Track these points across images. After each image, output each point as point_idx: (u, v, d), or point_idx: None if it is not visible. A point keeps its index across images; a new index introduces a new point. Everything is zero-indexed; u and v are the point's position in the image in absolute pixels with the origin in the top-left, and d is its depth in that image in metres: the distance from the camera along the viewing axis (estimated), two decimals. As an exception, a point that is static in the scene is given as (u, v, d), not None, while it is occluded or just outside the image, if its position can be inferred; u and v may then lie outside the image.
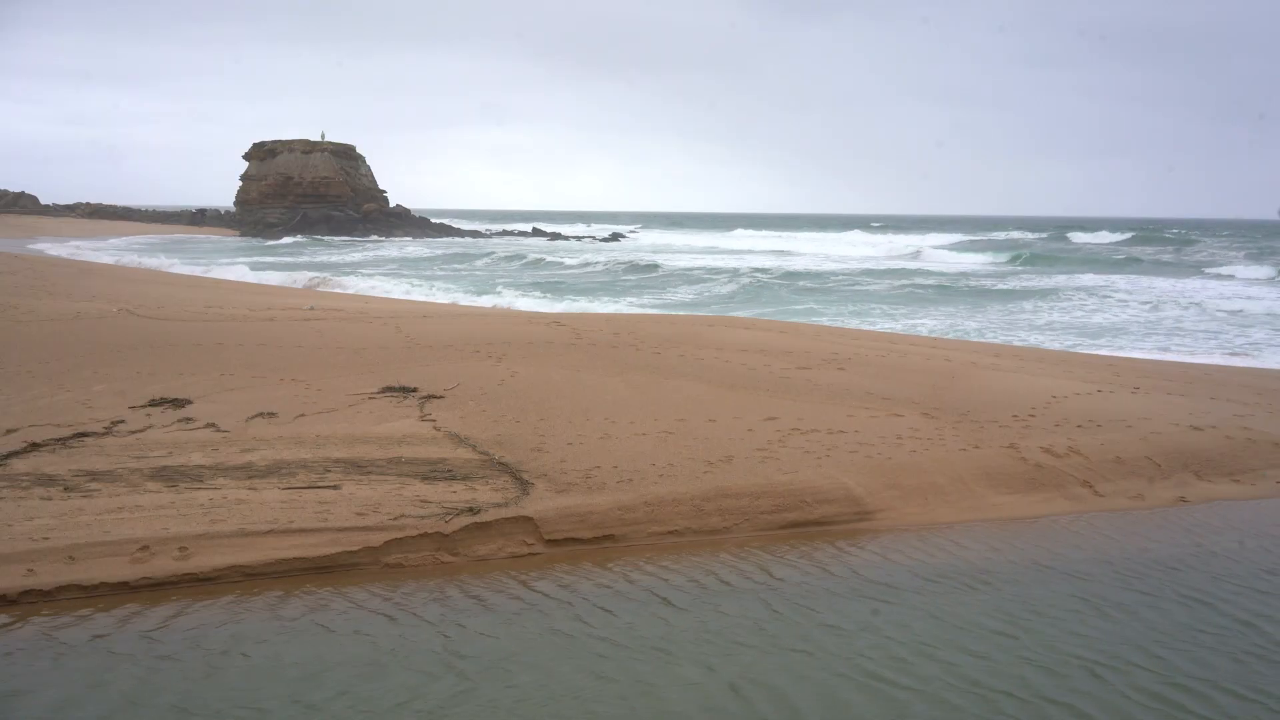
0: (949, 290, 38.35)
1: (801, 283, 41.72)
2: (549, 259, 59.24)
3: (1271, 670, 5.87)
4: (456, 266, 53.10)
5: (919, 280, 41.90)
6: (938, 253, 66.76)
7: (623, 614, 6.45)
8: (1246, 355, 20.99)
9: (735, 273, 45.50)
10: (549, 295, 35.27)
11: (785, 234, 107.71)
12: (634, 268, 50.55)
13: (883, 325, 26.29)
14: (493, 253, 64.90)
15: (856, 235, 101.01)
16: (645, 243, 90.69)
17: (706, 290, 38.18)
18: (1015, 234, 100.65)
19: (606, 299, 35.21)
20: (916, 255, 64.31)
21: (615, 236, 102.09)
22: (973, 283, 41.11)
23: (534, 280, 45.41)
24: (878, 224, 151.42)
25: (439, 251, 67.47)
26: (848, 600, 6.74)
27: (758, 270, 46.70)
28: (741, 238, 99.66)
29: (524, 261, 57.99)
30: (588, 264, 54.04)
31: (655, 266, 50.41)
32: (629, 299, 35.87)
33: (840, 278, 44.48)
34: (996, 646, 6.09)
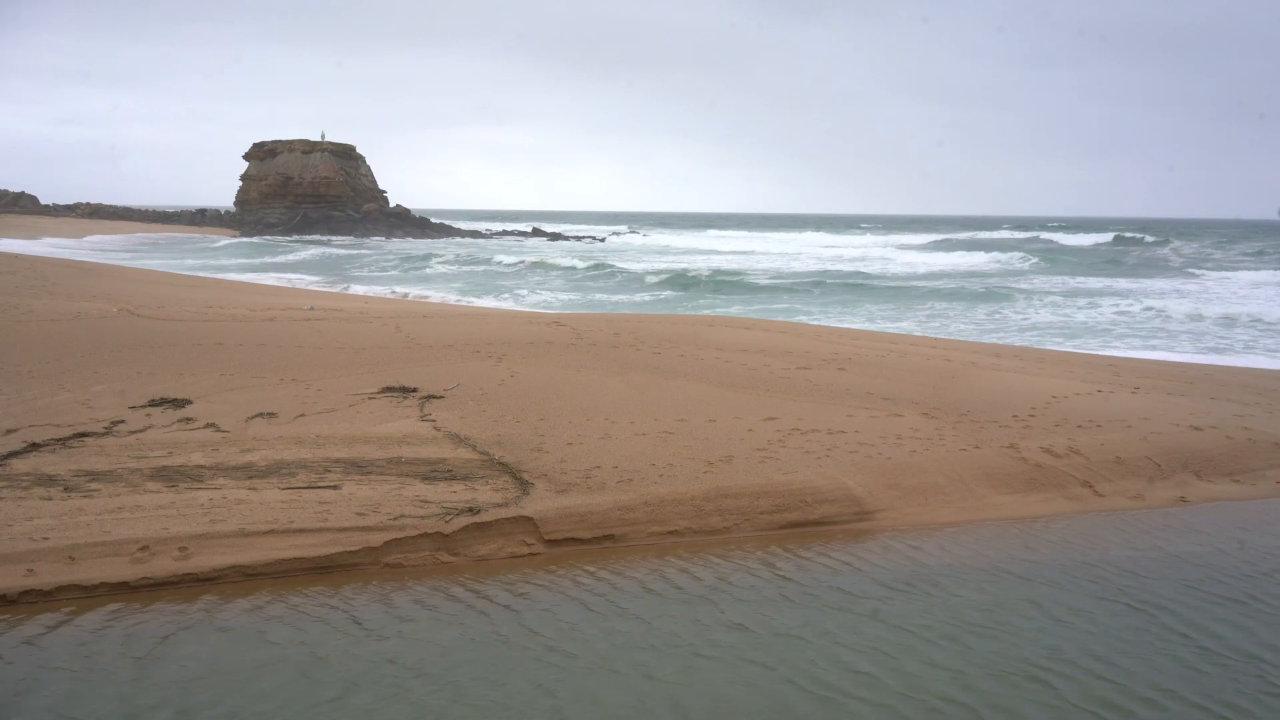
0: (855, 289, 38.72)
1: (728, 279, 42.46)
2: (491, 257, 59.64)
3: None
4: (393, 271, 53.17)
5: (831, 281, 42.25)
6: (899, 253, 67.62)
7: (565, 616, 6.36)
8: (1222, 354, 21.03)
9: (682, 273, 45.95)
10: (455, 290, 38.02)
11: (756, 234, 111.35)
12: (564, 269, 50.79)
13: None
14: (442, 253, 64.82)
15: (811, 236, 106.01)
16: (617, 244, 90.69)
17: (629, 296, 38.50)
18: (991, 234, 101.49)
19: (519, 293, 38.40)
20: (862, 258, 64.18)
21: (616, 236, 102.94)
22: (902, 284, 41.06)
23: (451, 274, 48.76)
24: (865, 224, 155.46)
25: (385, 252, 68.24)
26: (794, 608, 6.59)
27: (692, 271, 47.21)
28: (713, 238, 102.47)
29: (467, 261, 58.08)
30: (520, 262, 54.60)
31: (606, 266, 50.38)
32: (539, 295, 38.01)
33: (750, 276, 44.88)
34: (960, 656, 5.97)
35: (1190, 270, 51.04)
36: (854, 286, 39.67)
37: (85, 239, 72.75)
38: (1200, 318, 28.37)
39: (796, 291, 37.82)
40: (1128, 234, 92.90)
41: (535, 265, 52.08)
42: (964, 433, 9.96)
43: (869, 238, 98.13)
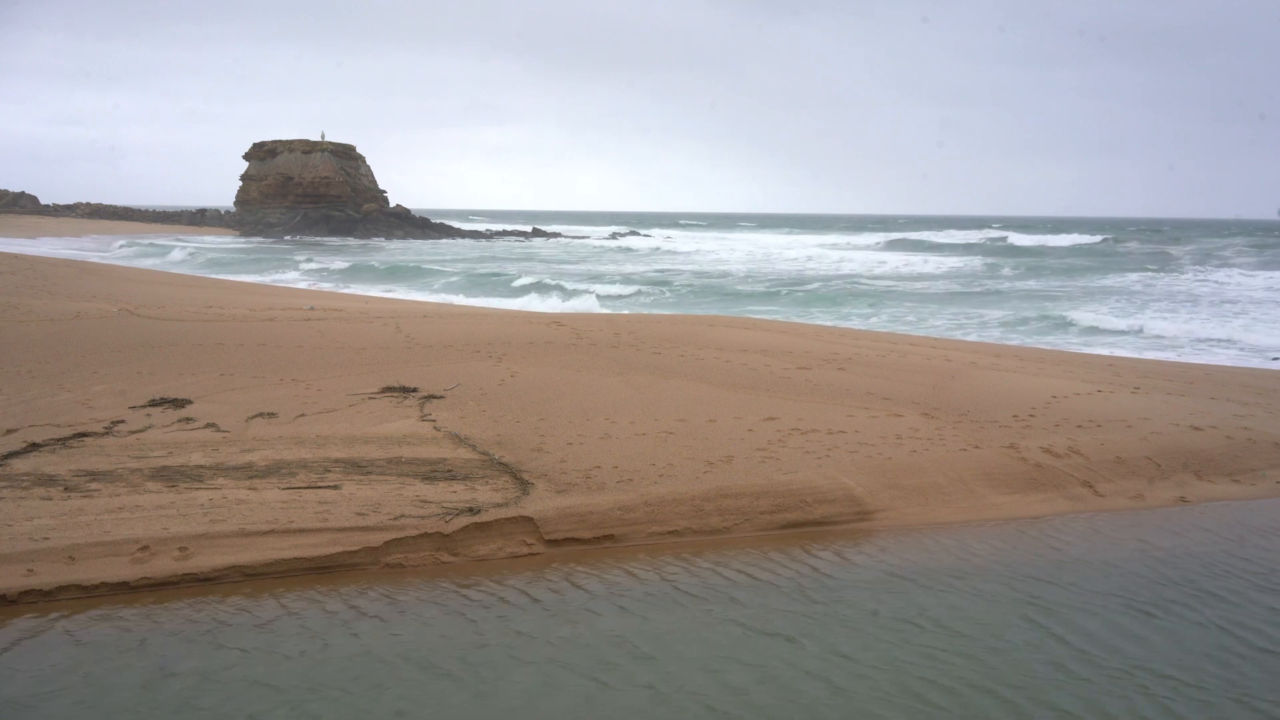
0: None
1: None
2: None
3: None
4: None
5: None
6: (859, 254, 68.53)
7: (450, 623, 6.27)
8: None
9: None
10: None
11: (713, 234, 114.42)
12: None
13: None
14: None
15: (768, 236, 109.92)
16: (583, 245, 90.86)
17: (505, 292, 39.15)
18: (953, 235, 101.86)
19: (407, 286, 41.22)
20: (793, 259, 63.83)
21: (614, 236, 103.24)
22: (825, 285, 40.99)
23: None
24: (847, 224, 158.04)
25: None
26: (677, 605, 6.49)
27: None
28: (660, 237, 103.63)
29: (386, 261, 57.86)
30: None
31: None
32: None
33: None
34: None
35: (1137, 270, 49.33)
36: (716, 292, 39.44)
37: (84, 238, 72.61)
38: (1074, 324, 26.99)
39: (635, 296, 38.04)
40: (1106, 232, 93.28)
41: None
42: (964, 433, 9.96)
43: (816, 237, 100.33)
